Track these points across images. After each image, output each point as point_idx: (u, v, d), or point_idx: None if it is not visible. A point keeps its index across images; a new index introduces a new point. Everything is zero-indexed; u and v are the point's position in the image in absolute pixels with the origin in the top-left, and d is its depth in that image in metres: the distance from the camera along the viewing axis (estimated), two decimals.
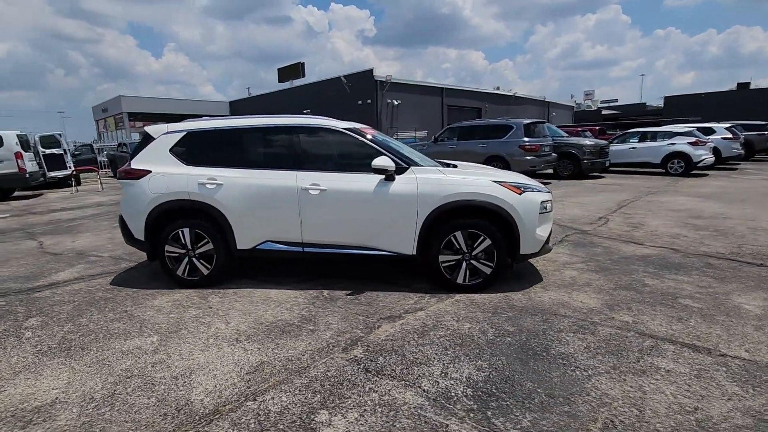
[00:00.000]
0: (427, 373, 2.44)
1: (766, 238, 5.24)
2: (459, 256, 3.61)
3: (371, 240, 3.67)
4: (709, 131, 14.51)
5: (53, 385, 2.41)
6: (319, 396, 2.25)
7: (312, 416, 2.08)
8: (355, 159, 3.76)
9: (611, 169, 13.89)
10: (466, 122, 12.91)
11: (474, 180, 3.61)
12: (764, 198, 8.35)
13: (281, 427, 2.01)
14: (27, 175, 11.88)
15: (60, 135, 14.07)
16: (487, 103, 31.75)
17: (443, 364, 2.53)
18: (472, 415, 2.07)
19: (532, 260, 4.43)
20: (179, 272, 3.89)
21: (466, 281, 3.64)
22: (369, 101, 24.86)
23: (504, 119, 12.51)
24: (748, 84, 37.22)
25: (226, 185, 3.72)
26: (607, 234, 5.69)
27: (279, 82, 33.41)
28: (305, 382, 2.38)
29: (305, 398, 2.23)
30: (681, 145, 12.63)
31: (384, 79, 24.57)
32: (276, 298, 3.63)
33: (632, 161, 13.72)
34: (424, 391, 2.28)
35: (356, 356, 2.65)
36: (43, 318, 3.35)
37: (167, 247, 3.85)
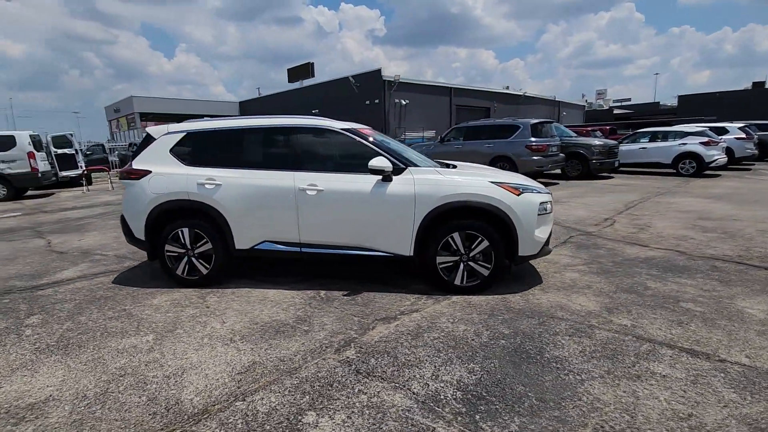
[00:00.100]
0: (417, 376, 2.43)
1: None
2: (456, 258, 3.59)
3: (368, 241, 3.66)
4: (722, 131, 14.23)
5: (48, 383, 2.45)
6: (308, 397, 2.25)
7: (299, 417, 2.08)
8: (353, 159, 3.76)
9: (621, 169, 13.70)
10: (472, 122, 12.83)
11: (471, 181, 3.58)
12: None
13: (268, 427, 2.01)
14: (39, 175, 12.10)
15: (72, 135, 14.31)
16: (496, 102, 31.57)
17: (435, 367, 2.51)
18: (459, 418, 2.05)
19: (532, 262, 4.39)
20: (179, 272, 3.92)
21: (464, 283, 3.61)
22: (377, 101, 24.87)
23: (511, 119, 12.42)
24: (763, 83, 36.46)
25: (225, 185, 3.74)
26: (612, 236, 5.60)
27: (289, 82, 33.60)
28: (295, 382, 2.38)
29: (294, 399, 2.23)
30: (692, 145, 12.40)
31: (392, 79, 24.56)
32: (273, 298, 3.64)
33: (642, 161, 13.50)
34: (413, 393, 2.26)
35: (348, 357, 2.65)
36: (44, 316, 3.41)
37: (167, 247, 3.89)
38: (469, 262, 3.57)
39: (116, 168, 19.65)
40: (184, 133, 3.97)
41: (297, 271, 4.35)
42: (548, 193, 3.81)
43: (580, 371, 2.43)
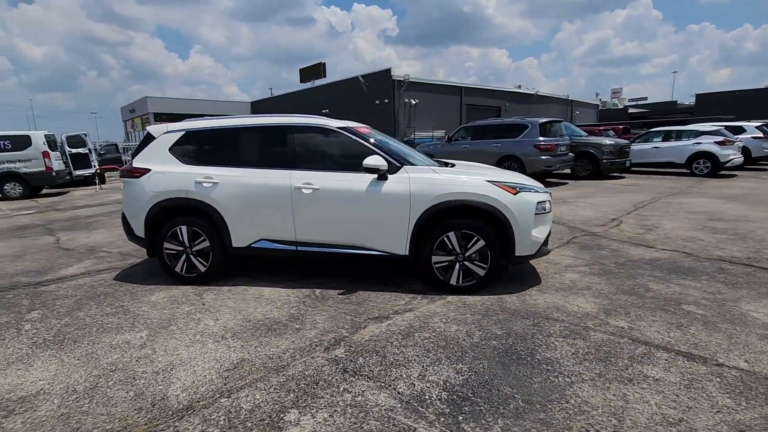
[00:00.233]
0: (404, 375, 2.40)
1: None
2: (452, 257, 3.55)
3: (363, 240, 3.65)
4: (739, 130, 13.88)
5: (41, 377, 2.49)
6: (292, 395, 2.24)
7: (281, 415, 2.08)
8: (349, 158, 3.75)
9: (633, 169, 13.45)
10: (480, 121, 12.72)
11: (467, 180, 3.54)
12: None
13: (249, 425, 2.01)
14: (54, 174, 12.38)
15: (85, 135, 14.61)
16: (507, 102, 31.29)
17: (422, 367, 2.49)
18: (442, 419, 2.02)
19: (533, 262, 4.33)
20: (177, 269, 3.96)
21: (460, 282, 3.57)
22: (386, 101, 24.86)
23: (519, 118, 12.29)
24: None
25: (222, 184, 3.77)
26: (618, 236, 5.49)
27: (300, 82, 33.80)
28: (282, 380, 2.38)
29: (278, 397, 2.23)
30: (707, 144, 12.10)
31: (401, 79, 24.52)
32: (268, 296, 3.65)
33: (655, 161, 13.23)
34: (398, 393, 2.24)
35: (336, 356, 2.64)
36: (44, 311, 3.47)
37: (166, 244, 3.93)
38: (465, 262, 3.53)
39: None
40: (183, 132, 4.01)
41: (295, 269, 4.36)
42: (547, 192, 3.75)
43: (570, 373, 2.38)
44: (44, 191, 13.48)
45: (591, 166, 12.13)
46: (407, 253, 3.59)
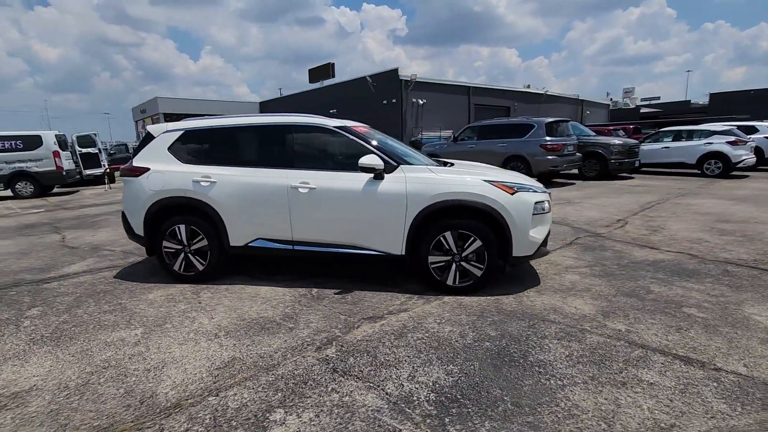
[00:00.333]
0: (394, 376, 2.38)
1: None
2: (449, 257, 3.52)
3: (360, 239, 3.63)
4: (752, 130, 13.61)
5: (35, 373, 2.51)
6: (280, 394, 2.24)
7: (267, 414, 2.07)
8: (346, 157, 3.74)
9: (643, 169, 13.26)
10: (486, 121, 12.64)
11: (464, 179, 3.50)
12: None
13: (234, 423, 2.01)
14: (64, 173, 12.57)
15: (95, 135, 14.81)
16: (516, 101, 31.01)
17: (413, 367, 2.47)
18: (429, 420, 2.00)
19: (533, 263, 4.28)
20: (176, 267, 3.99)
21: (456, 283, 3.54)
22: (394, 101, 24.80)
23: (525, 118, 12.18)
24: None
25: (220, 183, 3.78)
26: (622, 237, 5.41)
27: (309, 82, 33.86)
28: (270, 379, 2.38)
29: (266, 396, 2.22)
30: (718, 144, 11.87)
31: (408, 79, 24.45)
32: (265, 295, 3.65)
33: (665, 162, 13.01)
34: (386, 393, 2.22)
35: (327, 356, 2.63)
36: (44, 308, 3.51)
37: (164, 243, 3.96)
38: (462, 263, 3.50)
39: None
40: (182, 131, 4.03)
41: (295, 269, 4.36)
42: (546, 192, 3.70)
43: (562, 376, 2.34)
44: (55, 190, 13.71)
45: (599, 166, 11.98)
46: (403, 253, 3.57)
